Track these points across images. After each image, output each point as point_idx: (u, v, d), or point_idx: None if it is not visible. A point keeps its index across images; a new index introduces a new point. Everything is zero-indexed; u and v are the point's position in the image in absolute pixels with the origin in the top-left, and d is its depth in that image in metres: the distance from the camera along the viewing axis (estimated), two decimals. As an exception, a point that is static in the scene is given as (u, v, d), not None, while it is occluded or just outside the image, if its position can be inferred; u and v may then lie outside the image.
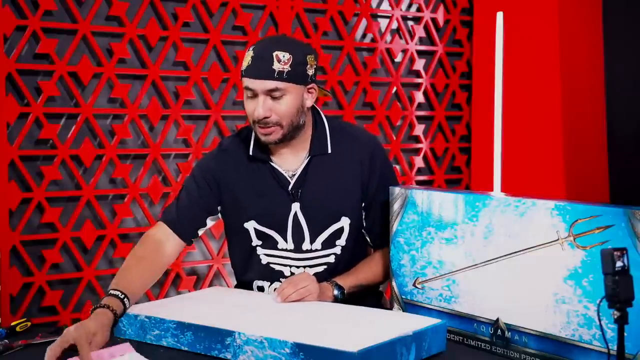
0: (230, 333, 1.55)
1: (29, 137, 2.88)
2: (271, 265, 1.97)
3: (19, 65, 2.83)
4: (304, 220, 1.94)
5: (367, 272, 1.98)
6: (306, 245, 1.95)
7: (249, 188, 1.96)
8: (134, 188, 3.06)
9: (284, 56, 1.82)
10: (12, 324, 1.77)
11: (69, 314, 2.94)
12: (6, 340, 1.66)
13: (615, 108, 3.53)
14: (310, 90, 1.90)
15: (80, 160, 2.96)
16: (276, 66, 1.81)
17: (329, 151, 1.96)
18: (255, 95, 1.85)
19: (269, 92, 1.83)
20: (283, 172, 1.95)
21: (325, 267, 1.96)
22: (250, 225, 1.96)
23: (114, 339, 1.72)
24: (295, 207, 1.94)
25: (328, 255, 1.96)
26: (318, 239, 1.95)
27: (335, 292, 1.88)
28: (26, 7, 2.84)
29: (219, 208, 2.01)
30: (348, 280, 1.92)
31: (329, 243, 1.96)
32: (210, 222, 2.03)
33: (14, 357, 1.61)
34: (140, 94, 3.07)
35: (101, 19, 3.02)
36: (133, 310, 1.76)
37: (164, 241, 1.95)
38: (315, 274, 1.92)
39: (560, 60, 3.41)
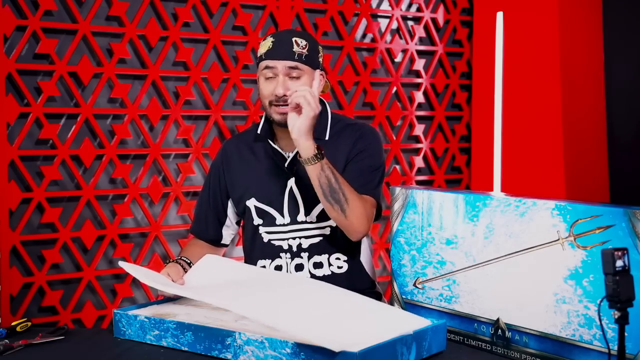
0: (230, 333, 1.55)
1: (29, 137, 2.88)
2: (271, 242, 2.07)
3: (19, 65, 2.83)
4: (299, 194, 2.04)
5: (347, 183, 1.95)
6: (301, 217, 2.04)
7: (251, 169, 2.11)
8: (134, 188, 3.06)
9: (301, 42, 1.99)
10: (13, 324, 1.77)
11: (69, 314, 2.93)
12: (6, 340, 1.66)
13: (615, 108, 3.53)
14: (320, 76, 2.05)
15: (80, 160, 2.96)
16: (296, 49, 1.98)
17: (327, 138, 2.07)
18: (274, 76, 1.98)
19: (289, 71, 1.97)
20: (282, 152, 2.07)
21: (321, 238, 2.05)
22: (251, 204, 2.09)
23: (113, 339, 1.72)
24: (291, 182, 2.05)
25: (324, 228, 2.04)
26: (313, 211, 2.04)
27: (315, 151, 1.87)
28: (26, 7, 2.83)
29: (229, 202, 2.16)
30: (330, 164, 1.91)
31: (324, 216, 2.03)
32: (231, 220, 2.19)
33: (14, 357, 1.61)
34: (140, 94, 3.07)
35: (101, 19, 3.01)
36: (133, 310, 1.76)
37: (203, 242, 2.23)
38: (312, 245, 2.04)
39: (560, 60, 3.41)
